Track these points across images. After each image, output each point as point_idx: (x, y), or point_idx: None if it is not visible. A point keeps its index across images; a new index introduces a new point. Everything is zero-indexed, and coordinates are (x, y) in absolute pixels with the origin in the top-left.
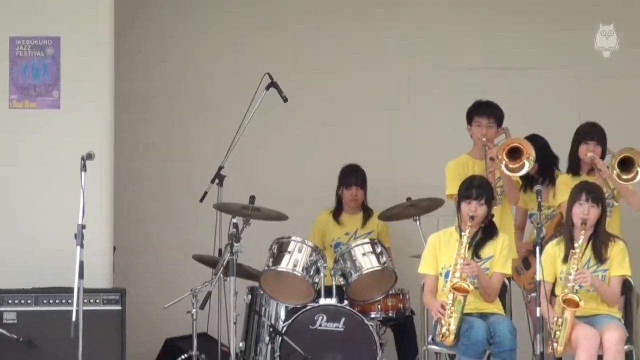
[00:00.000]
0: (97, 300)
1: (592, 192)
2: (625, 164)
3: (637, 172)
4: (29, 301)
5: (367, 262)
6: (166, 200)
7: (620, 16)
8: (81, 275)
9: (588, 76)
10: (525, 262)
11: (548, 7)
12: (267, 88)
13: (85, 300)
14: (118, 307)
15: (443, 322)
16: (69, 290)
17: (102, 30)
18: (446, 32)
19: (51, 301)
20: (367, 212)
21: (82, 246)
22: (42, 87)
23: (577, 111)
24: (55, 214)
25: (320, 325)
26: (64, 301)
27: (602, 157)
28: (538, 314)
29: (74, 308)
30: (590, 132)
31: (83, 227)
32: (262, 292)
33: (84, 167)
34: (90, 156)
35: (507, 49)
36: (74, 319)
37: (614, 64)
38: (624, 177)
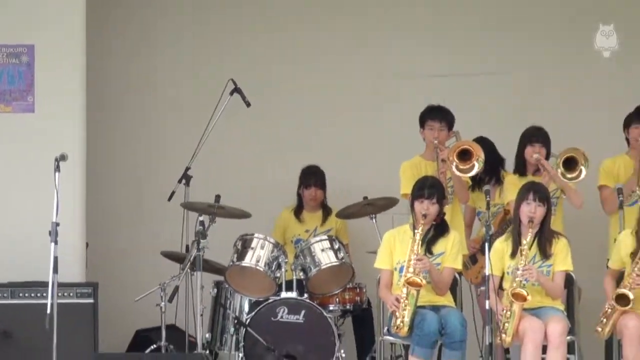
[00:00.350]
0: (71, 294)
1: (539, 192)
2: (570, 164)
3: (580, 171)
4: (5, 295)
5: (326, 257)
6: (136, 199)
7: (561, 24)
8: (55, 270)
9: (533, 81)
10: (472, 257)
11: (499, 16)
12: (231, 93)
13: (60, 294)
14: (90, 301)
15: (398, 314)
16: (44, 284)
17: (75, 38)
18: (404, 40)
19: (27, 295)
20: (326, 211)
21: (56, 243)
22: (17, 92)
23: (522, 115)
24: (30, 213)
25: (281, 317)
26: (39, 295)
27: (547, 158)
28: (487, 307)
29: (49, 301)
30: (536, 135)
31: (57, 224)
32: (227, 286)
33: (57, 168)
34: (63, 157)
35: (458, 56)
36: (48, 311)
37: (557, 69)
38: (569, 175)
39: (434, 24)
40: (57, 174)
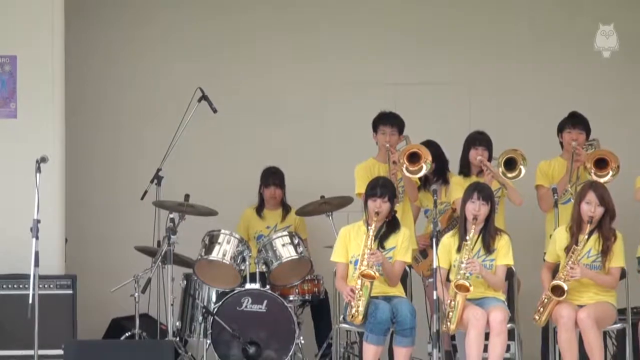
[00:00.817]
0: (51, 286)
1: (483, 192)
2: (510, 164)
3: (520, 170)
4: None
5: (286, 251)
6: (112, 197)
7: (510, 39)
8: (37, 264)
9: (477, 90)
10: (423, 252)
11: (449, 29)
12: (199, 100)
13: (41, 286)
14: (70, 292)
15: (353, 304)
16: (26, 276)
17: (54, 49)
18: (360, 50)
19: (10, 286)
20: (286, 209)
21: (37, 238)
22: (0, 99)
23: (466, 120)
24: (12, 210)
25: (246, 306)
26: (21, 286)
27: (489, 160)
28: (435, 297)
29: (30, 292)
30: (479, 139)
31: (38, 221)
32: (195, 278)
33: (38, 169)
34: (44, 159)
35: (409, 66)
36: (30, 301)
37: (499, 79)
38: (509, 175)
39: (387, 35)
40: (38, 174)
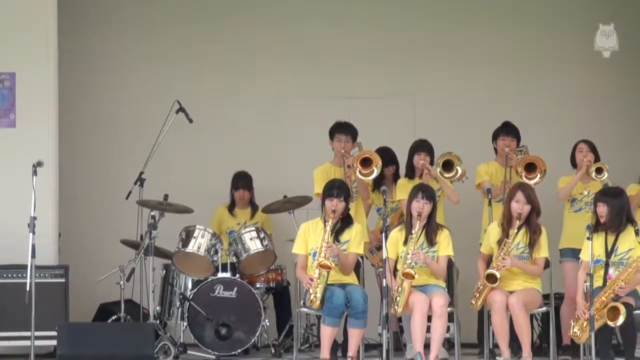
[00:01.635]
0: (46, 275)
1: (426, 192)
2: (447, 165)
3: (456, 170)
4: None
5: (254, 244)
6: (100, 197)
7: (452, 56)
8: (33, 255)
9: (420, 102)
10: (379, 246)
11: (395, 49)
12: (177, 112)
13: (37, 275)
14: (62, 280)
15: (311, 290)
16: (24, 267)
17: (49, 67)
18: (318, 66)
19: (9, 275)
20: (254, 207)
21: (34, 233)
22: (1, 111)
23: (411, 129)
24: (12, 209)
25: (218, 293)
26: (19, 275)
27: (431, 164)
28: (384, 284)
29: (28, 280)
30: (422, 145)
31: (35, 218)
32: (174, 268)
33: (35, 172)
34: (40, 164)
35: (360, 81)
36: (27, 289)
37: (439, 93)
38: (447, 175)
39: (342, 53)
40: (34, 177)
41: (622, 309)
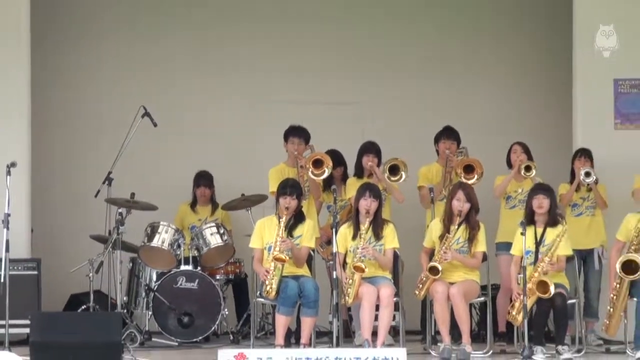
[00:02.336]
0: (19, 268)
1: (373, 190)
2: (393, 169)
3: (401, 175)
4: None
5: (214, 239)
6: (70, 195)
7: (400, 65)
8: (7, 250)
9: (366, 107)
10: (329, 241)
11: (346, 57)
12: (143, 116)
13: (11, 268)
14: (35, 272)
15: (267, 282)
16: None
17: (21, 73)
18: (275, 72)
19: None
20: (214, 204)
21: (8, 228)
22: None
23: (359, 133)
24: None
25: (181, 284)
26: None
27: (378, 165)
28: (334, 276)
29: (2, 273)
30: (370, 147)
31: (8, 215)
32: (140, 261)
33: (8, 172)
34: (13, 164)
35: (313, 87)
36: (2, 280)
37: (387, 99)
38: (393, 178)
39: (295, 61)
40: (8, 177)
41: (551, 282)
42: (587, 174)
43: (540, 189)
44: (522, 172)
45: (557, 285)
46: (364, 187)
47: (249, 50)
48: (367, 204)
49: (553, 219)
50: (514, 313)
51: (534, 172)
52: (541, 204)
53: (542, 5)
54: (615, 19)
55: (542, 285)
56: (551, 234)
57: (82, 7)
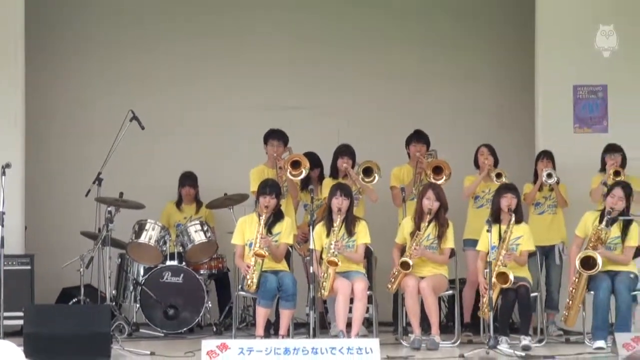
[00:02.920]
0: (14, 263)
1: (345, 190)
2: (367, 171)
3: (374, 177)
4: None
5: (198, 236)
6: (63, 194)
7: (369, 73)
8: (2, 246)
9: (342, 112)
10: (306, 237)
11: (321, 66)
12: (131, 120)
13: (6, 263)
14: (28, 267)
15: (248, 276)
16: None
17: (16, 80)
18: (254, 79)
19: None
20: (198, 203)
21: (2, 226)
22: None
23: (335, 134)
24: None
25: (166, 278)
26: None
27: (353, 166)
28: (311, 271)
29: None
30: (344, 150)
31: (3, 213)
32: (128, 257)
33: (3, 173)
34: (8, 165)
35: (292, 93)
36: None
37: (361, 105)
38: (367, 179)
39: (277, 70)
40: (3, 177)
41: (510, 273)
42: (549, 175)
43: (508, 188)
44: (494, 179)
45: (520, 279)
46: (336, 187)
47: (230, 60)
48: (339, 202)
49: (518, 217)
50: (484, 309)
51: (504, 179)
52: (510, 203)
53: (509, 14)
54: (575, 30)
55: (502, 276)
56: (515, 231)
57: (75, 21)
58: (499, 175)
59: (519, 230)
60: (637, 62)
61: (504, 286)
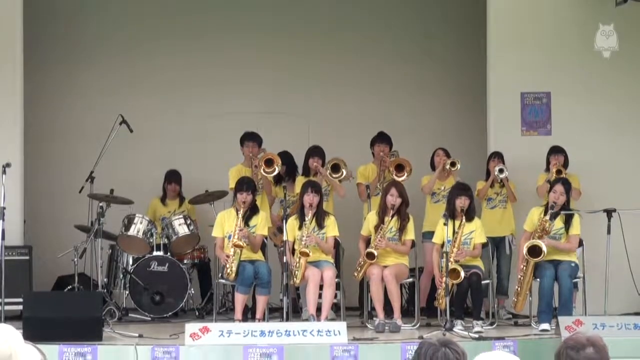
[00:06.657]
0: (14, 253)
1: (314, 186)
2: (335, 168)
3: (342, 173)
4: None
5: (182, 229)
6: (58, 191)
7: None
8: (3, 238)
9: (313, 116)
10: (280, 229)
11: (299, 72)
12: (120, 124)
13: (6, 253)
14: (27, 258)
15: (228, 266)
16: None
17: (15, 86)
18: (231, 85)
19: None
20: (182, 199)
21: (3, 220)
22: None
23: (306, 138)
24: None
25: (153, 268)
26: None
27: (323, 165)
28: (285, 261)
29: None
30: (315, 150)
31: (4, 208)
32: (118, 248)
33: (4, 172)
34: (9, 165)
35: (266, 99)
36: None
37: (332, 109)
38: (335, 175)
39: (253, 76)
40: (3, 175)
41: (460, 269)
42: (501, 170)
43: (462, 189)
44: (448, 166)
45: (473, 267)
46: (307, 185)
47: (211, 71)
48: (310, 198)
49: (470, 215)
50: (440, 300)
51: (458, 166)
52: (464, 204)
53: (461, 35)
54: (522, 40)
55: (454, 273)
56: (467, 227)
57: (69, 30)
58: (453, 164)
59: (471, 226)
60: (577, 71)
61: (455, 282)
